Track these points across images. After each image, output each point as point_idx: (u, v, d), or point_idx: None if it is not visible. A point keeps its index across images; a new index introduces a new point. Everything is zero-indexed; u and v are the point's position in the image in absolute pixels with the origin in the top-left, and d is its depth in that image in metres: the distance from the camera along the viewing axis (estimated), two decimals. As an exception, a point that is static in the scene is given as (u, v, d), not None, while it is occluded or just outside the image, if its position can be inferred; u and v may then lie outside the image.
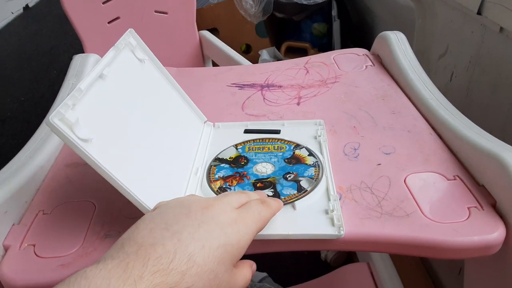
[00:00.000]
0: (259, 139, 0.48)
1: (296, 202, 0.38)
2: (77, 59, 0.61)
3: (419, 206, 0.37)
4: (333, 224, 0.36)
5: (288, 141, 0.47)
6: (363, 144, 0.46)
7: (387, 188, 0.39)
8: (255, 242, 0.36)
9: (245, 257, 0.38)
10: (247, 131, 0.49)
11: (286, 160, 0.44)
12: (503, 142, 0.39)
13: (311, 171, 0.42)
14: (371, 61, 0.62)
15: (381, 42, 0.61)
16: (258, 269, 1.00)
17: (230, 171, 0.43)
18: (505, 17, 0.56)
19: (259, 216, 0.31)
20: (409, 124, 0.48)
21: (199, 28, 1.06)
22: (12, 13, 2.61)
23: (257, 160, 0.45)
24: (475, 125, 0.43)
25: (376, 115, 0.50)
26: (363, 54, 0.64)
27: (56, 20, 2.58)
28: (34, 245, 0.36)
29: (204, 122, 0.50)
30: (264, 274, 0.99)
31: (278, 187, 0.40)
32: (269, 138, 0.48)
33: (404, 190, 0.39)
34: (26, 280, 0.33)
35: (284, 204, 0.38)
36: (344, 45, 1.28)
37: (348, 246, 0.36)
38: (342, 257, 0.98)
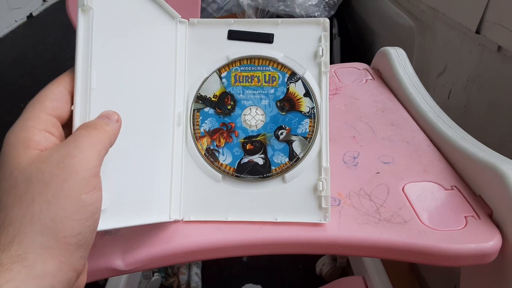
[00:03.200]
0: (247, 59, 0.40)
1: (286, 175, 0.38)
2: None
3: (416, 214, 0.37)
4: (320, 207, 0.37)
5: (282, 66, 0.40)
6: (362, 153, 0.46)
7: (385, 196, 0.40)
8: (248, 244, 0.37)
9: (238, 259, 0.39)
10: (231, 36, 0.40)
11: (278, 104, 0.39)
12: (499, 154, 0.39)
13: (306, 125, 0.39)
14: (371, 75, 0.63)
15: (381, 57, 0.63)
16: (253, 281, 1.00)
17: (216, 121, 0.39)
18: (503, 36, 0.58)
19: None
20: (408, 136, 0.48)
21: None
22: (16, 21, 2.64)
23: (245, 102, 0.40)
24: (472, 137, 0.44)
25: (376, 126, 0.51)
26: (363, 68, 0.66)
27: (59, 29, 2.61)
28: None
29: (176, 20, 0.40)
30: (258, 286, 0.98)
31: (269, 152, 0.39)
32: (259, 59, 0.40)
33: (402, 198, 0.39)
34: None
35: (275, 177, 0.39)
36: (344, 63, 1.30)
37: (346, 251, 0.36)
38: (337, 271, 0.97)
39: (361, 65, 0.67)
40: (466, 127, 0.46)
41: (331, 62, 1.33)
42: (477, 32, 0.63)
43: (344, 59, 1.28)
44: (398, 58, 0.60)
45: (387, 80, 0.61)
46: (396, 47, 0.62)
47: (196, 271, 1.06)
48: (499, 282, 0.37)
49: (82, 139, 0.25)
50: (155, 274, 1.02)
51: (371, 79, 0.62)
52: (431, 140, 0.48)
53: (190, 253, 0.36)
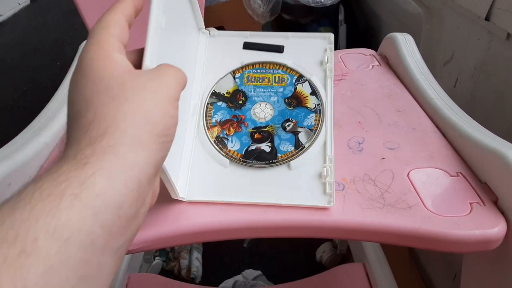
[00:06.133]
0: (259, 63, 0.44)
1: (292, 162, 0.39)
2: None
3: (421, 200, 0.37)
4: (324, 192, 0.37)
5: (291, 70, 0.44)
6: (368, 138, 0.46)
7: (390, 181, 0.40)
8: (251, 226, 0.37)
9: (239, 245, 0.39)
10: (246, 46, 0.45)
11: (286, 100, 0.42)
12: (506, 141, 0.39)
13: (311, 119, 0.41)
14: (377, 61, 0.63)
15: (389, 43, 0.62)
16: (253, 267, 1.00)
17: (228, 113, 0.42)
18: (512, 24, 0.57)
19: None
20: (414, 122, 0.48)
21: (206, 26, 1.07)
22: (19, 4, 2.62)
23: (255, 99, 0.42)
24: (478, 124, 0.44)
25: (381, 112, 0.50)
26: (370, 54, 0.65)
27: (63, 13, 2.59)
28: (36, 218, 0.36)
29: (199, 29, 0.45)
30: (258, 272, 0.99)
31: (276, 141, 0.40)
32: (270, 64, 0.44)
33: (407, 184, 0.39)
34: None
35: (281, 163, 0.39)
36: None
37: (350, 235, 0.36)
38: (338, 258, 0.98)
39: (368, 51, 0.66)
40: (473, 116, 0.46)
41: (337, 49, 1.32)
42: (487, 19, 0.63)
43: (350, 47, 1.27)
44: (405, 44, 0.59)
45: (394, 66, 0.60)
46: (404, 33, 0.61)
47: (197, 255, 1.07)
48: (502, 269, 0.37)
49: (167, 70, 0.27)
50: (156, 258, 1.03)
51: (377, 65, 0.61)
52: (437, 127, 0.47)
53: (193, 234, 0.36)
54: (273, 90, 0.43)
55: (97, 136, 0.22)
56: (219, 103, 0.42)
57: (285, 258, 1.05)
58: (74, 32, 2.32)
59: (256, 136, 0.41)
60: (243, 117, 0.42)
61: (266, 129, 0.41)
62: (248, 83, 0.43)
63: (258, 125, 0.41)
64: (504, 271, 0.37)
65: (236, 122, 0.41)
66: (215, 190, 0.38)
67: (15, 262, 0.17)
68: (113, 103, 0.23)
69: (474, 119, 0.45)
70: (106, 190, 0.20)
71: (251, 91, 0.42)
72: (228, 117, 0.42)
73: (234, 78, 0.43)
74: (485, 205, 0.36)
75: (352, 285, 0.77)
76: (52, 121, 0.47)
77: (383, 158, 0.43)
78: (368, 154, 0.43)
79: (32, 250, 0.17)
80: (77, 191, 0.19)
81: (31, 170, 0.41)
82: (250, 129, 0.41)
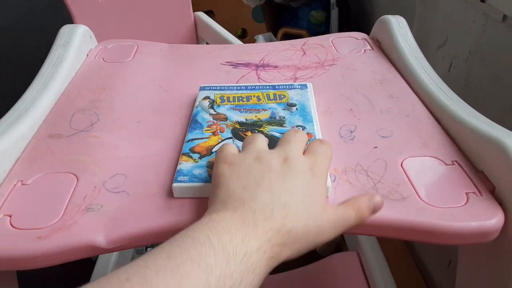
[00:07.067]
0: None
1: None
2: (65, 29, 0.59)
3: (415, 190, 0.36)
4: None
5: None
6: (360, 126, 0.44)
7: (383, 171, 0.38)
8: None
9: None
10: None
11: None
12: (503, 128, 0.37)
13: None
14: (370, 45, 0.60)
15: (381, 26, 0.60)
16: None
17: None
18: (509, 5, 0.55)
19: (325, 155, 0.34)
20: (407, 109, 0.46)
21: (195, 10, 1.04)
22: (4, -10, 2.55)
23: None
24: (474, 110, 0.42)
25: (374, 98, 0.48)
26: (362, 38, 0.63)
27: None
28: (10, 216, 0.34)
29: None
30: (252, 261, 0.98)
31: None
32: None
33: (400, 174, 0.38)
34: (0, 252, 0.32)
35: None
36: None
37: (340, 228, 0.34)
38: (331, 247, 0.97)
39: (360, 35, 0.64)
40: (467, 101, 0.44)
41: (329, 33, 1.30)
42: (482, 0, 0.60)
43: (342, 31, 1.24)
44: (398, 27, 0.57)
45: (387, 51, 0.58)
46: (396, 16, 0.59)
47: (189, 245, 1.05)
48: (500, 261, 0.36)
49: None
50: (148, 249, 1.01)
51: (370, 50, 0.59)
52: (432, 113, 0.45)
53: (176, 231, 0.35)
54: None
55: None
56: None
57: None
58: (61, 18, 2.26)
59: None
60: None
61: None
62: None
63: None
64: (501, 262, 0.35)
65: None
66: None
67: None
68: None
69: (468, 103, 0.43)
70: None
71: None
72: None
73: None
74: (481, 195, 0.35)
75: (347, 274, 0.76)
76: (29, 111, 0.45)
77: (375, 147, 0.41)
78: (360, 143, 0.42)
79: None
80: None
81: (6, 164, 0.39)
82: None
